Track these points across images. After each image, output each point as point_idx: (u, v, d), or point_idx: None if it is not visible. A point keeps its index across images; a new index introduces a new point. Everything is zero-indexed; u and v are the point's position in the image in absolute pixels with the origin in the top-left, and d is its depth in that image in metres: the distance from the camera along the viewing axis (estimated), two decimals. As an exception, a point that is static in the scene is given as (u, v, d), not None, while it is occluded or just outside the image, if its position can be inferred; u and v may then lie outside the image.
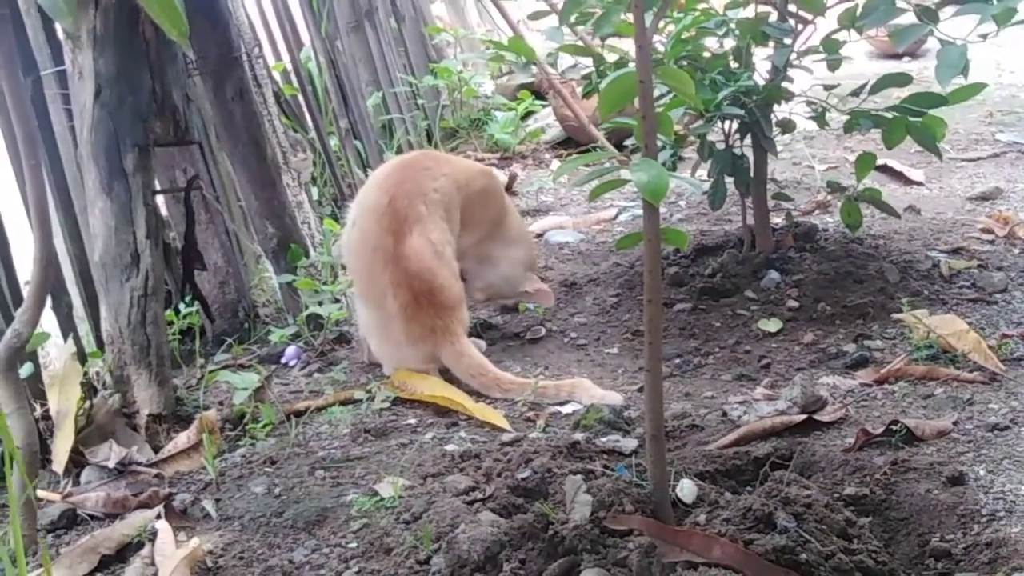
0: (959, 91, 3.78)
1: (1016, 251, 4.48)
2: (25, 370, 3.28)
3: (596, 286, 4.58)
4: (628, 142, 5.98)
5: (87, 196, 3.53)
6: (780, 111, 4.26)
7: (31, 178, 2.88)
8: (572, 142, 6.98)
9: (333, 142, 6.15)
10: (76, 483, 3.30)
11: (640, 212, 2.37)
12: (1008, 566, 2.40)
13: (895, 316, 3.85)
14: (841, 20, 3.82)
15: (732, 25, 3.99)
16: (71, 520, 3.05)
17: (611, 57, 4.16)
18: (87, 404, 3.42)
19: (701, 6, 4.02)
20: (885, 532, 2.67)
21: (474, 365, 3.74)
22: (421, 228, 3.77)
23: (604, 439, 3.18)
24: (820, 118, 4.23)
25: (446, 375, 3.77)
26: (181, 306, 4.08)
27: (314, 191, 5.53)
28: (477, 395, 3.66)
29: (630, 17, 2.54)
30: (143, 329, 3.49)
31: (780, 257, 4.31)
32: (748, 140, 4.26)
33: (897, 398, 3.34)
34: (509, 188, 6.14)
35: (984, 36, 3.50)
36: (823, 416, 3.22)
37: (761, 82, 4.11)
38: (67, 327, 3.75)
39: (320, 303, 4.20)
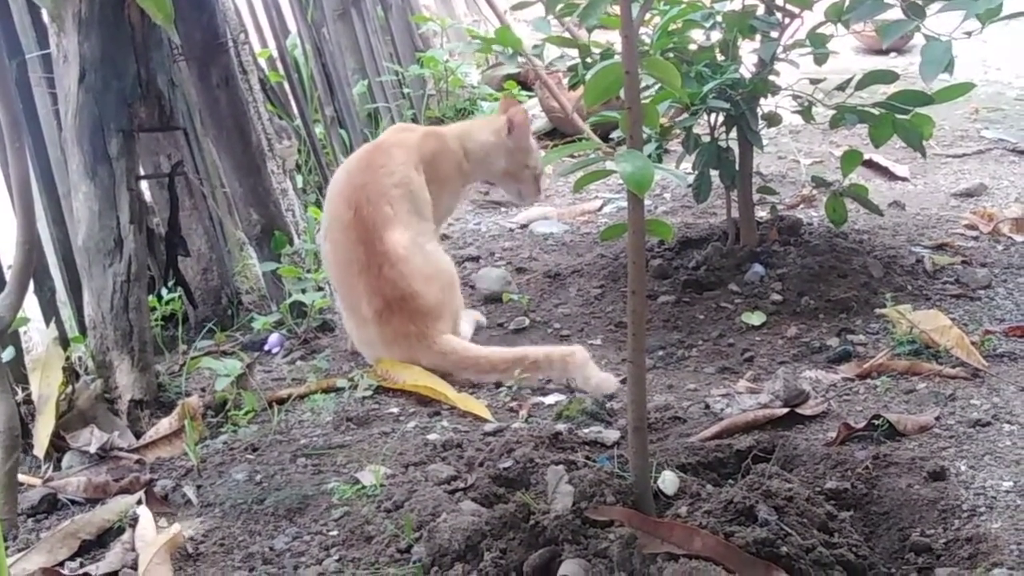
0: (946, 90, 3.78)
1: (1000, 247, 4.50)
2: (7, 354, 3.27)
3: (580, 277, 4.58)
4: (614, 134, 5.98)
5: (71, 180, 3.53)
6: (766, 104, 4.26)
7: (14, 161, 2.87)
8: (558, 133, 6.97)
9: (318, 130, 6.14)
10: (57, 468, 3.30)
11: (625, 204, 2.37)
12: (988, 561, 2.40)
13: (878, 311, 3.86)
14: (828, 14, 3.82)
15: (719, 18, 3.99)
16: (52, 505, 3.04)
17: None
18: (69, 389, 3.41)
19: (688, -2, 4.03)
20: (866, 526, 2.67)
21: (462, 359, 3.74)
22: (390, 233, 3.76)
23: (586, 430, 3.19)
24: (806, 112, 4.23)
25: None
26: (164, 292, 4.07)
27: (299, 179, 5.52)
28: (459, 385, 3.66)
29: (616, 9, 2.53)
30: (126, 314, 3.48)
31: (764, 251, 4.32)
32: (734, 133, 4.25)
33: (879, 393, 3.34)
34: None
35: (969, 33, 3.51)
36: (805, 410, 3.23)
37: (747, 75, 4.11)
38: (49, 311, 3.74)
39: (303, 291, 4.19)
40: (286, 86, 5.97)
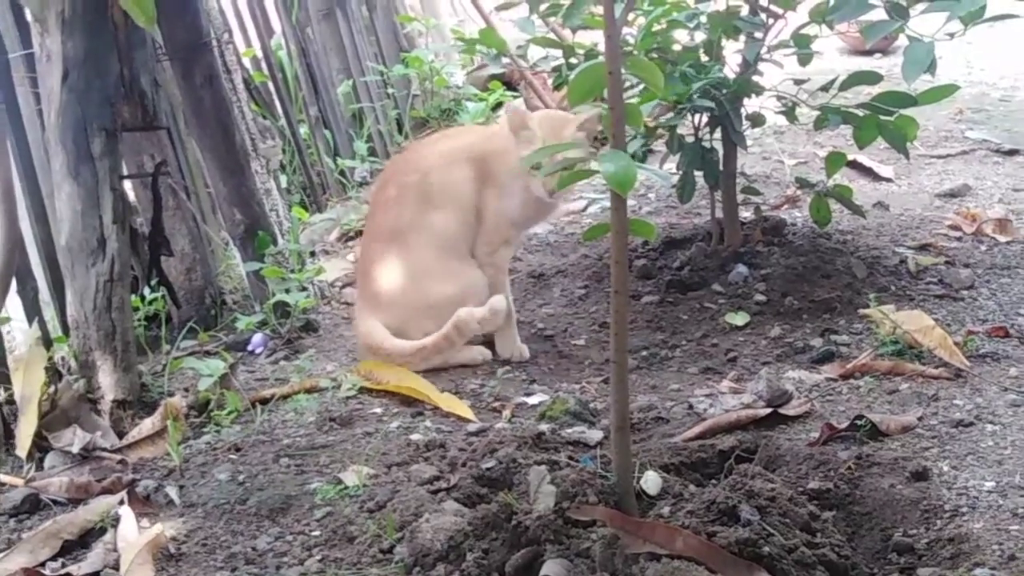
0: (930, 92, 3.80)
1: (983, 248, 4.50)
2: (-11, 354, 3.27)
3: (564, 277, 4.58)
4: (597, 133, 5.97)
5: (54, 180, 3.52)
6: (750, 105, 4.27)
7: (-3, 161, 2.87)
8: (542, 133, 6.96)
9: (303, 130, 6.14)
10: (39, 468, 3.29)
11: (609, 204, 2.37)
12: (970, 561, 2.41)
13: (862, 311, 3.86)
14: (812, 15, 3.82)
15: (703, 18, 4.00)
16: (34, 505, 3.04)
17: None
18: (51, 389, 3.40)
19: (672, -2, 4.03)
20: (848, 526, 2.68)
21: (370, 345, 3.87)
22: (395, 216, 3.85)
23: (569, 430, 3.19)
24: (790, 113, 4.23)
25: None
26: (147, 292, 4.07)
27: (283, 179, 5.52)
28: (442, 385, 3.66)
29: (600, 9, 2.53)
30: (109, 314, 3.48)
31: (748, 251, 4.32)
32: (718, 133, 4.26)
33: (862, 393, 3.35)
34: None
35: (952, 35, 3.52)
36: (788, 410, 3.24)
37: (731, 75, 4.11)
38: (32, 311, 3.73)
39: (287, 291, 4.18)
40: (270, 86, 5.97)
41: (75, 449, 3.30)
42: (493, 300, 3.71)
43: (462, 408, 3.45)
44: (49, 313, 3.85)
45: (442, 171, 3.85)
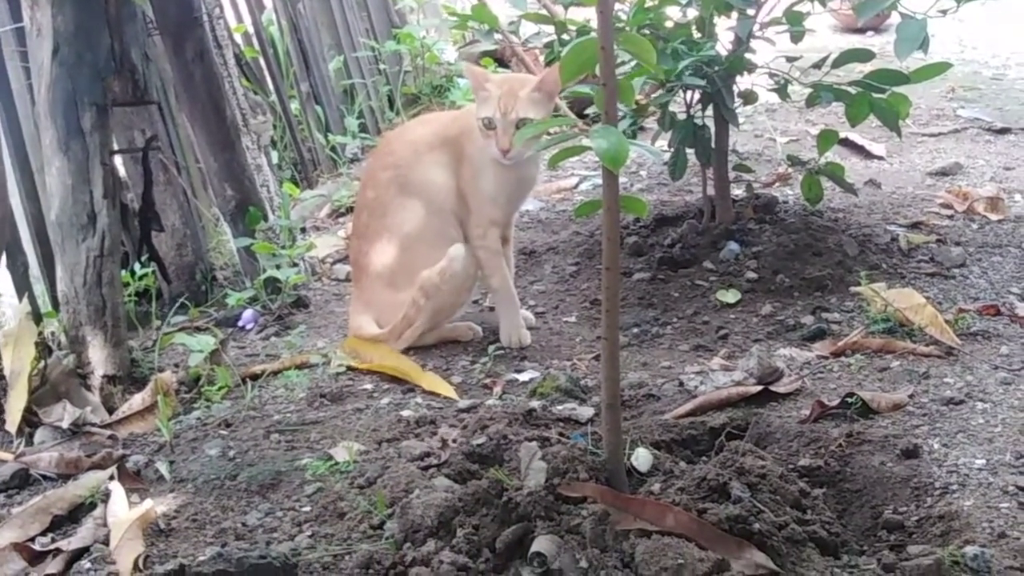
0: (922, 70, 3.78)
1: (975, 226, 4.51)
2: (-21, 329, 3.26)
3: (555, 254, 4.57)
4: (589, 110, 5.97)
5: (44, 155, 3.51)
6: (742, 82, 4.26)
7: (-14, 135, 2.86)
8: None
9: (294, 106, 6.11)
10: (29, 443, 3.28)
11: (601, 181, 2.36)
12: (960, 539, 2.41)
13: (853, 289, 3.86)
14: (805, -8, 3.82)
15: (696, -5, 3.99)
16: (23, 480, 3.03)
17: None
18: (41, 364, 3.40)
19: (665, -25, 4.01)
20: (839, 503, 2.68)
21: (353, 328, 3.86)
22: (378, 212, 3.84)
23: (560, 407, 3.19)
24: (782, 90, 4.22)
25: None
26: (137, 267, 4.05)
27: (274, 155, 5.50)
28: (434, 363, 3.66)
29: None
30: (99, 290, 3.47)
31: (740, 229, 4.31)
32: (710, 111, 4.25)
33: (853, 371, 3.35)
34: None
35: (944, 12, 3.51)
36: (779, 387, 3.24)
37: (723, 52, 4.10)
38: (22, 286, 3.73)
39: (278, 267, 4.18)
40: (261, 61, 5.95)
41: (65, 424, 3.29)
42: (451, 249, 3.70)
43: (445, 388, 3.44)
44: (39, 288, 3.85)
45: (414, 161, 3.81)
